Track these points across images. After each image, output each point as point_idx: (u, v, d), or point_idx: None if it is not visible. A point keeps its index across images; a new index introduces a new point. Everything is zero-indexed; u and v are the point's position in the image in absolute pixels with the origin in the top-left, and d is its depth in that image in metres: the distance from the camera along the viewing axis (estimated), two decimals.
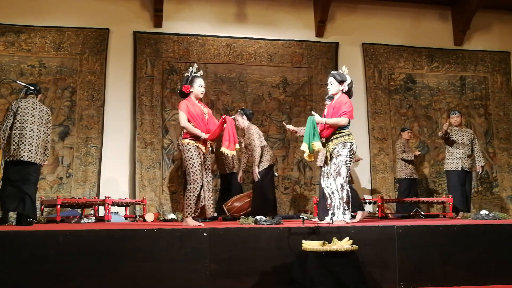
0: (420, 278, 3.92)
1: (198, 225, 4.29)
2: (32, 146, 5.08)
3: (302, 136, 5.06)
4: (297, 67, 8.46)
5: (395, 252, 3.93)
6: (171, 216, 6.60)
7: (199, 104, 4.83)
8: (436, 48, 8.93)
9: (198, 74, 4.85)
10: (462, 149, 6.93)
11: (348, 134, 4.77)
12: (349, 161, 4.73)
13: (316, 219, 5.38)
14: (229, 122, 4.73)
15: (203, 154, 4.74)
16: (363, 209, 5.62)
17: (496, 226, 4.42)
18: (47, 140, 5.31)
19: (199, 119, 4.70)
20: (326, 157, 4.91)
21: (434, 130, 8.61)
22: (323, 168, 5.00)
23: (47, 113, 5.32)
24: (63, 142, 7.52)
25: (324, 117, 4.88)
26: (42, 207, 6.39)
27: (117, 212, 6.76)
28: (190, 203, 4.56)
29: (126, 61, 7.95)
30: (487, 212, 5.67)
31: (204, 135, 4.67)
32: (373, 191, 8.27)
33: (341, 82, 4.87)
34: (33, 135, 5.12)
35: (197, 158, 4.62)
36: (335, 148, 4.75)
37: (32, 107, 5.18)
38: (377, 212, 7.07)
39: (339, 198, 4.66)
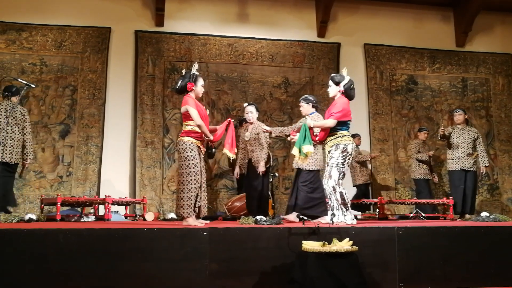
0: (420, 280, 3.91)
1: (200, 225, 4.29)
2: (6, 146, 5.63)
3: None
4: (298, 67, 8.45)
5: (395, 253, 3.93)
6: (171, 215, 6.58)
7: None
8: (438, 50, 8.93)
9: (199, 74, 4.86)
10: (462, 149, 6.84)
11: (343, 136, 4.73)
12: (342, 163, 4.68)
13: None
14: (231, 125, 4.75)
15: (202, 154, 4.76)
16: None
17: (497, 228, 4.41)
18: (24, 139, 5.82)
19: (204, 118, 4.70)
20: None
21: (435, 131, 8.60)
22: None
23: (21, 113, 5.81)
24: (63, 141, 7.53)
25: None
26: (42, 205, 6.38)
27: (117, 211, 6.75)
28: (191, 203, 4.55)
29: (128, 60, 7.95)
30: (487, 214, 5.65)
31: (211, 136, 4.67)
32: (373, 192, 8.26)
33: (337, 83, 4.86)
34: (7, 136, 5.66)
35: (198, 158, 4.63)
36: (329, 150, 4.77)
37: (5, 109, 5.71)
38: (377, 213, 7.06)
39: (335, 200, 4.67)
